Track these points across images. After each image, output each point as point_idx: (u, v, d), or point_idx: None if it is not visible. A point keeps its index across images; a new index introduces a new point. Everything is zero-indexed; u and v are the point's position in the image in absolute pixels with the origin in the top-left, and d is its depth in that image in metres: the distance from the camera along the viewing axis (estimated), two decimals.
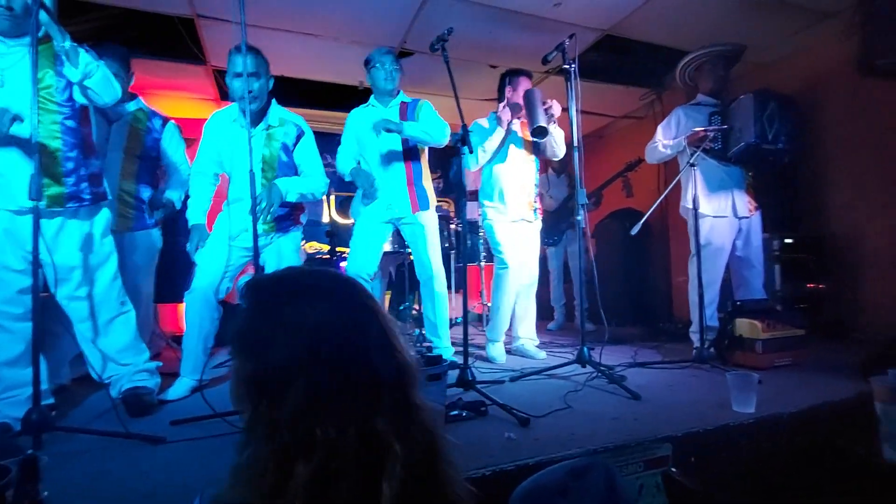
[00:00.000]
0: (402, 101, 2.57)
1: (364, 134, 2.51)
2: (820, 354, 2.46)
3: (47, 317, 2.04)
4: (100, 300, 1.81)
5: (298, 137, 2.18)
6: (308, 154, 2.21)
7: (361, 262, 2.49)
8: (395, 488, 0.50)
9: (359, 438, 0.51)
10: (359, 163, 2.59)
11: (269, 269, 2.11)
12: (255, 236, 1.77)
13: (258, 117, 2.09)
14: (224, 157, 2.16)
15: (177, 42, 3.22)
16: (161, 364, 2.04)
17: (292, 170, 2.19)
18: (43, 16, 1.47)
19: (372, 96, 2.58)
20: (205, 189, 2.22)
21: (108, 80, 1.69)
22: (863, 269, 3.08)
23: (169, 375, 2.05)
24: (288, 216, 2.21)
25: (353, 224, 2.66)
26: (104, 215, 1.85)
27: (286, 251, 2.21)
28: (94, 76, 1.64)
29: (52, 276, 1.70)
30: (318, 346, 0.54)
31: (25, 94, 1.50)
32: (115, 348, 1.85)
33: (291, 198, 2.09)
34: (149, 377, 1.92)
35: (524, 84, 2.76)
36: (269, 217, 2.05)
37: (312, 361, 0.53)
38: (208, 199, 2.23)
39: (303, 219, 2.33)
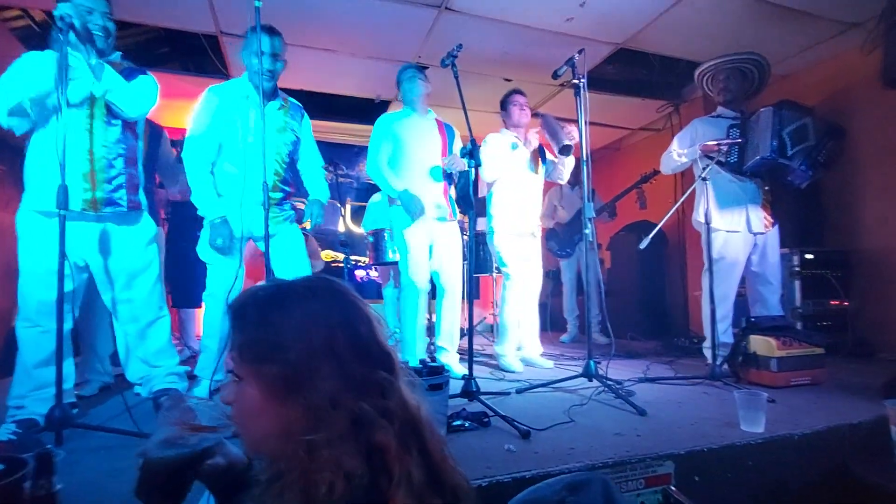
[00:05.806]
0: (437, 119, 2.67)
1: (404, 140, 2.56)
2: (841, 375, 2.38)
3: (91, 316, 2.17)
4: (140, 304, 1.89)
5: (301, 118, 2.25)
6: (310, 138, 2.28)
7: (418, 270, 2.51)
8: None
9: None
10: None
11: (280, 259, 2.09)
12: (267, 239, 1.81)
13: (271, 94, 2.08)
14: (229, 137, 2.04)
15: (202, 58, 3.39)
16: (189, 369, 2.12)
17: (296, 152, 2.24)
18: (71, 36, 1.59)
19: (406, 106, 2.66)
20: (208, 177, 2.02)
21: (132, 95, 1.77)
22: (893, 286, 2.97)
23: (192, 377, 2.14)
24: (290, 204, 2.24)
25: (392, 230, 2.70)
26: (146, 222, 1.94)
27: (296, 238, 2.20)
28: (115, 91, 1.73)
29: (97, 278, 1.80)
30: (333, 335, 0.60)
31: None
32: (150, 350, 1.93)
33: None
34: (178, 380, 2.00)
35: (519, 99, 2.86)
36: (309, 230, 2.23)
37: (331, 349, 0.59)
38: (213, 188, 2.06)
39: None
